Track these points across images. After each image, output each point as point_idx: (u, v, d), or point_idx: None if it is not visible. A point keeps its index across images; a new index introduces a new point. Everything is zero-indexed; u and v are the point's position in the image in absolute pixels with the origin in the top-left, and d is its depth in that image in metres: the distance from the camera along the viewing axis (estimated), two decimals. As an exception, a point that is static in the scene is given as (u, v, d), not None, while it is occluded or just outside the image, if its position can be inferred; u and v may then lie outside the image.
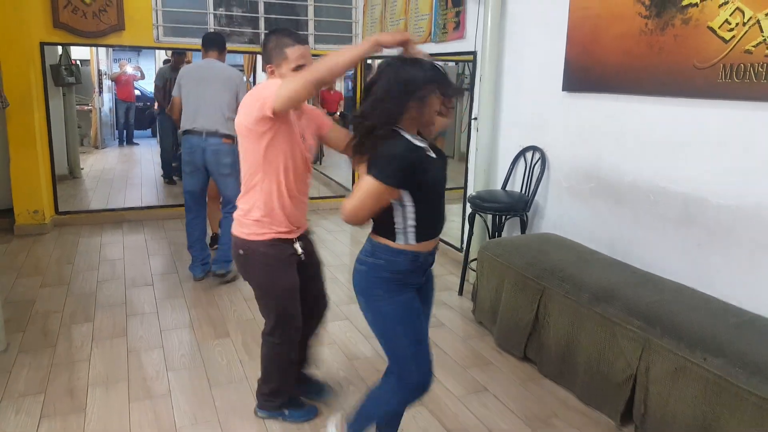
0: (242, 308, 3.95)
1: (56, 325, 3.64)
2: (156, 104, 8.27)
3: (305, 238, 2.58)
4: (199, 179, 4.34)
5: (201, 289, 4.30)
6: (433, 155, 2.01)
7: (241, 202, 2.43)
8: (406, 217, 1.96)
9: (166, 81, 7.48)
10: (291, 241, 2.47)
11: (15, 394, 2.89)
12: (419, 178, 1.91)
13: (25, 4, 5.23)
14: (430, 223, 2.02)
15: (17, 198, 5.47)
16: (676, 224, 3.04)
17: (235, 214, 2.45)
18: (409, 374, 2.08)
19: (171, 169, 7.80)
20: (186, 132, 4.23)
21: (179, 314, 3.86)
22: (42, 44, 5.47)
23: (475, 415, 2.83)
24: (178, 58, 7.51)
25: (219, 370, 3.17)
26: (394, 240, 2.00)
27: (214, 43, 4.31)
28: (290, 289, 2.49)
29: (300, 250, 2.50)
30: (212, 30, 5.96)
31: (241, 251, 2.44)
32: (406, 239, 1.99)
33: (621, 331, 2.70)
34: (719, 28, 2.70)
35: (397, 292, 2.03)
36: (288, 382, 2.68)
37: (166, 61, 8.91)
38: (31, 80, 5.34)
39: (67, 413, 2.75)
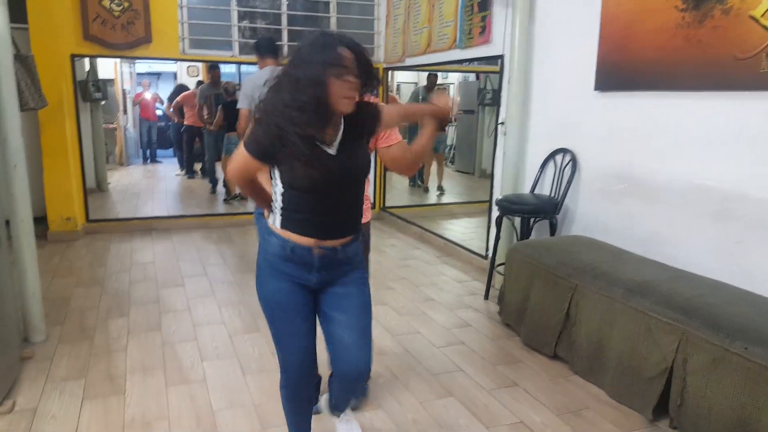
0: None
1: (93, 319, 3.73)
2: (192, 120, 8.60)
3: None
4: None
5: (230, 289, 4.37)
6: (329, 149, 1.82)
7: None
8: (276, 196, 1.90)
9: (207, 97, 7.70)
10: None
11: (57, 378, 2.99)
12: (281, 160, 1.81)
13: (57, 17, 5.41)
14: (299, 217, 1.88)
15: (50, 205, 5.60)
16: (712, 221, 3.03)
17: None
18: (280, 361, 2.09)
19: (217, 184, 8.09)
20: None
21: (210, 311, 3.93)
22: (72, 56, 5.65)
23: (506, 407, 2.84)
24: (215, 72, 7.73)
25: (251, 360, 3.23)
26: (269, 217, 1.98)
27: (270, 50, 4.22)
28: None
29: None
30: (237, 41, 6.14)
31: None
32: (274, 220, 1.93)
33: (657, 324, 2.70)
34: (762, 16, 2.70)
35: (269, 277, 1.97)
36: None
37: (199, 83, 9.29)
38: (62, 92, 5.50)
39: (107, 396, 2.83)
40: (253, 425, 2.63)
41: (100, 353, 3.27)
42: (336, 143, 1.83)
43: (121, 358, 3.21)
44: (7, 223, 3.07)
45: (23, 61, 4.03)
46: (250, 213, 6.18)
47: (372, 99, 2.34)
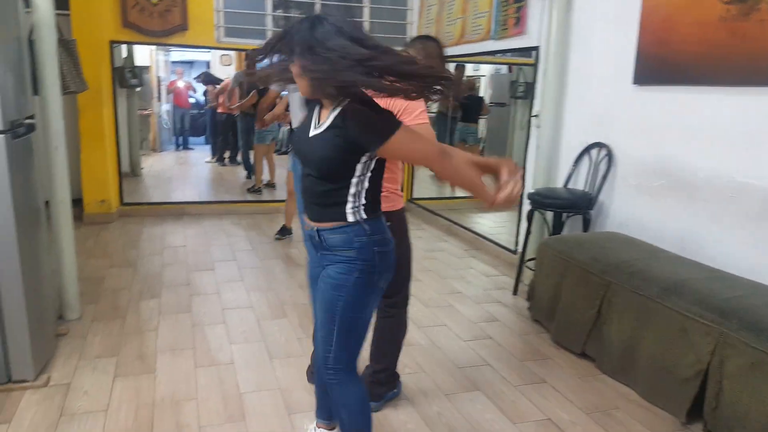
0: (298, 294, 4.03)
1: (125, 299, 3.80)
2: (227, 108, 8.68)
3: None
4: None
5: (259, 275, 4.42)
6: (312, 130, 1.86)
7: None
8: None
9: (240, 84, 7.78)
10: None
11: (91, 355, 3.06)
12: None
13: (97, 4, 5.50)
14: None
15: (86, 188, 5.72)
16: (754, 221, 2.95)
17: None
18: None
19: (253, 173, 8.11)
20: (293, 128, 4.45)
21: (239, 296, 3.97)
22: (111, 43, 5.74)
23: (534, 404, 2.81)
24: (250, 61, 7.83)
25: (278, 345, 3.27)
26: None
27: None
28: None
29: None
30: (271, 30, 6.20)
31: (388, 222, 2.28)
32: None
33: (693, 325, 2.63)
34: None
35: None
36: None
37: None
38: (101, 78, 5.60)
39: (138, 374, 2.89)
40: (279, 409, 2.65)
41: (132, 333, 3.33)
42: (321, 127, 1.83)
43: (152, 338, 3.27)
44: (46, 204, 3.13)
45: (66, 46, 4.08)
46: (279, 201, 6.27)
47: (405, 103, 2.22)
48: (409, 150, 1.79)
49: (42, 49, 3.12)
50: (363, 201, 1.87)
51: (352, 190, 1.85)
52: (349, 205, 1.86)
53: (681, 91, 3.35)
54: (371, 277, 1.91)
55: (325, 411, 2.31)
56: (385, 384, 2.72)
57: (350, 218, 1.87)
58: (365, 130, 1.75)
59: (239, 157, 9.10)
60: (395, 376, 2.79)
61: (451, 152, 1.79)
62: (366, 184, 1.86)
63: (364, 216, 1.88)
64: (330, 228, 1.89)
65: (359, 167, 1.82)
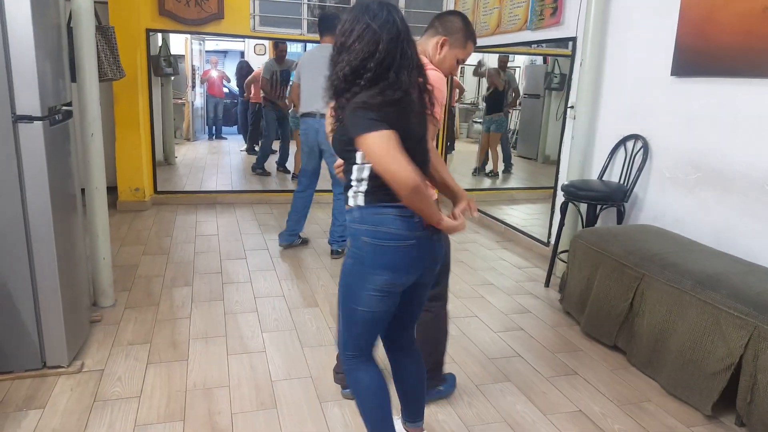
0: (329, 284, 4.04)
1: (158, 287, 3.85)
2: (260, 97, 8.70)
3: None
4: (312, 159, 4.60)
5: (291, 264, 4.44)
6: None
7: None
8: None
9: (272, 73, 7.80)
10: None
11: (124, 342, 3.10)
12: None
13: (134, -7, 5.56)
14: None
15: (121, 176, 5.79)
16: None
17: None
18: None
19: (264, 161, 8.13)
20: (304, 115, 4.48)
21: (271, 285, 3.99)
22: (148, 31, 5.79)
23: (565, 395, 2.79)
24: (281, 48, 7.83)
25: (310, 334, 3.28)
26: None
27: (328, 28, 4.33)
28: None
29: None
30: (306, 19, 6.19)
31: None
32: None
33: (726, 317, 2.59)
34: None
35: None
36: None
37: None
38: (137, 66, 5.65)
39: (171, 361, 2.92)
40: (310, 397, 2.67)
41: (165, 320, 3.37)
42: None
43: (185, 326, 3.31)
44: (82, 191, 3.17)
45: (104, 33, 4.15)
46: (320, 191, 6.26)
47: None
48: (376, 162, 1.74)
49: (80, 37, 3.16)
50: (364, 187, 1.85)
51: (355, 174, 1.85)
52: (351, 189, 1.89)
53: (720, 83, 3.27)
54: (362, 268, 1.88)
55: (408, 414, 2.29)
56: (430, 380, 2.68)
57: (350, 202, 1.90)
58: (348, 121, 1.77)
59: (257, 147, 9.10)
60: (439, 376, 2.71)
61: (423, 191, 1.73)
62: (367, 172, 1.83)
63: (361, 203, 1.86)
64: (347, 210, 1.93)
65: (359, 155, 1.82)
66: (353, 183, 1.87)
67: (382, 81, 1.73)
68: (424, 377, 2.25)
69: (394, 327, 2.11)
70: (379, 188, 1.82)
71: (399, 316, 2.05)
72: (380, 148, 1.69)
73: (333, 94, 1.83)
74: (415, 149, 1.81)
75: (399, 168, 1.68)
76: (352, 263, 1.91)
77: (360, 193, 1.86)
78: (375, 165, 1.74)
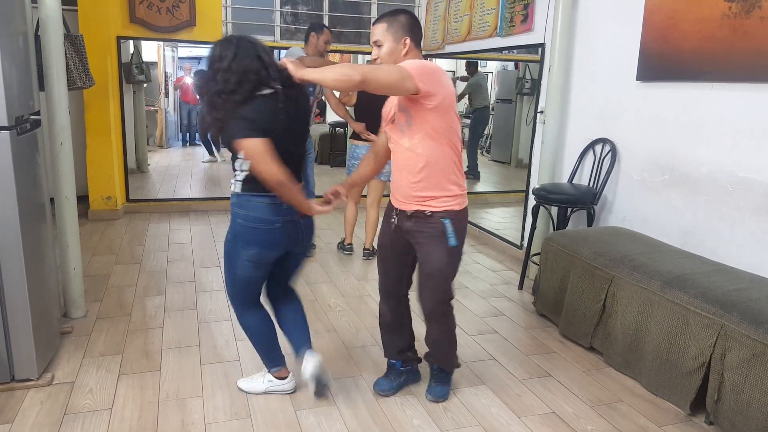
0: (305, 291, 4.02)
1: (130, 297, 3.80)
2: None
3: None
4: None
5: (265, 273, 4.41)
6: None
7: None
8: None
9: None
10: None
11: (96, 353, 3.06)
12: None
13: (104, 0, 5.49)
14: None
15: (92, 184, 5.73)
16: (755, 215, 2.96)
17: None
18: None
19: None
20: None
21: (245, 293, 3.96)
22: (119, 38, 5.73)
23: (539, 397, 2.82)
24: None
25: (285, 342, 3.23)
26: None
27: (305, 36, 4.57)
28: None
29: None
30: (279, 26, 6.22)
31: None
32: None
33: (695, 317, 2.65)
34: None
35: None
36: None
37: None
38: (108, 73, 5.59)
39: (143, 371, 2.89)
40: (285, 406, 2.66)
41: (137, 330, 3.34)
42: None
43: (158, 336, 3.27)
44: (51, 200, 3.13)
45: (73, 41, 4.10)
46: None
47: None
48: (251, 158, 2.20)
49: (48, 45, 3.13)
50: (240, 177, 2.30)
51: (236, 164, 2.30)
52: (233, 178, 2.34)
53: (683, 87, 3.35)
54: (237, 243, 2.39)
55: (296, 345, 2.67)
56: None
57: (232, 187, 2.35)
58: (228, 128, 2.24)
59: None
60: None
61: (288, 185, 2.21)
62: (242, 166, 2.26)
63: (238, 190, 2.32)
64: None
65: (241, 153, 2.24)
66: (234, 171, 2.31)
67: (248, 98, 2.19)
68: (301, 310, 2.74)
69: (273, 284, 2.65)
70: (253, 179, 2.25)
71: (276, 276, 2.60)
72: (253, 152, 2.17)
73: (212, 106, 2.23)
74: (291, 151, 2.33)
75: (267, 168, 2.16)
76: (231, 238, 2.42)
77: (239, 182, 2.31)
78: (251, 164, 2.20)
